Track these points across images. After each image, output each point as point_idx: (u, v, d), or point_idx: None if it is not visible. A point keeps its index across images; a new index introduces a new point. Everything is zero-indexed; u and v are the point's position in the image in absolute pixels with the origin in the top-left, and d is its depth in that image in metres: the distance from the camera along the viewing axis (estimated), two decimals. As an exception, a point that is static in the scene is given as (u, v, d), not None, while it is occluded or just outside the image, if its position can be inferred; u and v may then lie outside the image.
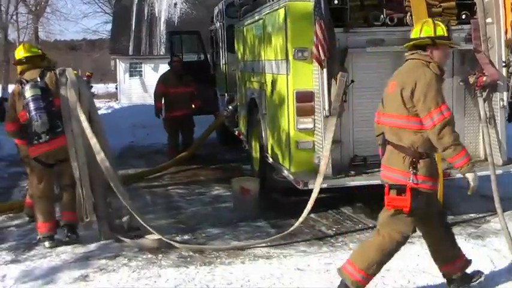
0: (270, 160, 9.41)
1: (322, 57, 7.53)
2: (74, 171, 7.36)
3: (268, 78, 9.24)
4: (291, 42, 8.03)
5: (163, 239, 7.24)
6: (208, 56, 17.20)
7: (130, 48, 39.03)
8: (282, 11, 8.24)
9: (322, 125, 7.82)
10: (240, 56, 11.88)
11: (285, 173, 8.49)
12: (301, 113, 8.07)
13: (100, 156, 7.42)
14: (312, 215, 8.40)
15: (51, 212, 7.55)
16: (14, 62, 8.01)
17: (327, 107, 7.69)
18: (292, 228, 7.52)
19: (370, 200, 8.60)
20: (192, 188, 10.87)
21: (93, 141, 7.39)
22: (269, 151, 9.47)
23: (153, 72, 37.81)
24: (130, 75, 39.02)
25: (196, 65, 16.33)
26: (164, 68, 37.26)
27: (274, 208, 9.10)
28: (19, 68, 7.66)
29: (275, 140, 9.04)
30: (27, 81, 7.27)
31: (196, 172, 12.48)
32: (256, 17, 10.01)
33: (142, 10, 41.12)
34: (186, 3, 41.79)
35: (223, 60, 14.44)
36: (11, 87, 32.28)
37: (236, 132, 12.93)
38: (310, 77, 8.07)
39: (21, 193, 10.73)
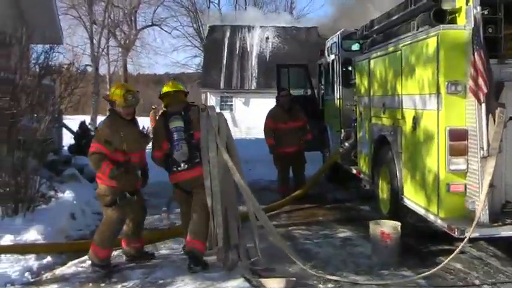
0: (408, 203, 8.68)
1: (484, 90, 6.82)
2: (207, 200, 7.59)
3: (408, 114, 8.54)
4: (443, 75, 7.33)
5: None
6: (315, 90, 16.64)
7: (222, 82, 39.08)
8: (432, 41, 7.57)
9: (478, 166, 7.06)
10: (363, 91, 11.22)
11: (431, 217, 7.75)
12: (454, 152, 7.32)
13: (244, 188, 7.74)
14: (458, 265, 7.75)
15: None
16: (159, 95, 8.28)
17: (485, 147, 6.95)
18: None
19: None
20: (315, 229, 10.19)
21: (235, 171, 7.67)
22: (407, 193, 8.75)
23: (244, 107, 37.83)
24: (221, 109, 38.82)
25: (303, 100, 15.75)
26: (255, 102, 37.67)
27: (414, 255, 8.33)
28: (165, 101, 8.17)
29: (417, 182, 8.29)
30: (172, 114, 7.88)
31: (313, 212, 11.82)
32: (391, 48, 9.37)
33: (234, 44, 41.29)
34: (278, 38, 41.74)
35: (337, 95, 13.82)
36: (100, 118, 33.20)
37: (354, 171, 12.27)
38: (463, 113, 7.34)
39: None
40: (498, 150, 6.96)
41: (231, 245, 7.63)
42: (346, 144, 12.66)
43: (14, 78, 10.12)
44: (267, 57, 40.29)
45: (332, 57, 14.39)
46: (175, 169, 7.83)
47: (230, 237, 7.65)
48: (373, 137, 10.43)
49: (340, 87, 13.66)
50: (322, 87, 16.17)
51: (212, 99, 39.17)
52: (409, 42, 8.46)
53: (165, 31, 56.95)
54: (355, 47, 12.99)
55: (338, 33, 13.91)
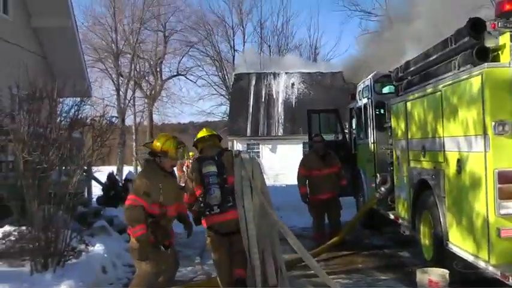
0: (454, 249, 8.28)
1: (536, 129, 6.54)
2: (244, 242, 7.71)
3: (451, 157, 8.20)
4: (490, 115, 7.02)
5: None
6: (347, 134, 16.37)
7: (248, 129, 38.97)
8: (476, 80, 7.28)
9: (531, 209, 6.72)
10: (399, 134, 10.92)
11: (482, 264, 7.36)
12: (504, 195, 6.96)
13: (285, 230, 7.87)
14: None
15: (230, 277, 8.01)
16: (194, 142, 8.56)
17: (540, 189, 6.63)
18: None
19: None
20: (355, 277, 9.82)
21: (271, 213, 7.93)
22: (452, 239, 8.36)
23: (271, 154, 37.61)
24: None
25: (334, 144, 15.49)
26: (282, 148, 37.48)
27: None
28: (199, 146, 8.42)
29: (463, 227, 7.91)
30: (206, 159, 8.10)
31: (351, 259, 11.43)
32: (429, 90, 9.09)
33: (260, 91, 41.31)
34: (303, 84, 41.70)
35: (371, 139, 13.50)
36: (126, 168, 33.08)
37: (392, 216, 11.90)
38: (512, 154, 7.02)
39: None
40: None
41: (270, 285, 7.64)
42: (383, 189, 12.29)
43: (43, 132, 10.00)
44: (293, 103, 40.17)
45: (364, 100, 14.11)
46: (208, 213, 7.99)
47: (268, 279, 7.66)
48: (412, 181, 10.08)
49: (374, 131, 13.35)
50: (354, 131, 15.87)
51: (239, 147, 38.98)
52: (450, 82, 8.17)
53: (191, 80, 57.24)
54: (389, 89, 12.80)
55: (370, 76, 13.66)
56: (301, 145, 36.38)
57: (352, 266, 10.80)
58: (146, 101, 52.55)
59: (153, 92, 52.78)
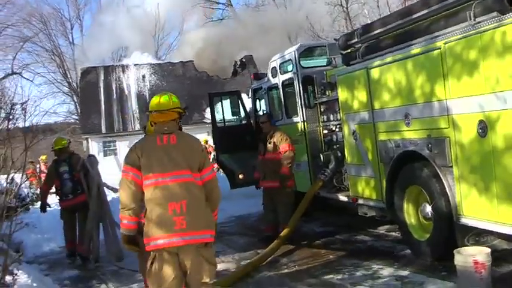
0: (473, 223, 7.38)
1: None
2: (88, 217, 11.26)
3: (466, 120, 7.23)
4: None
5: None
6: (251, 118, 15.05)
7: (103, 126, 36.76)
8: (512, 28, 6.36)
9: None
10: (356, 106, 9.87)
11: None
12: None
13: None
14: None
15: (73, 240, 11.69)
16: (54, 150, 11.70)
17: None
18: None
19: None
20: (345, 271, 8.59)
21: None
22: (469, 212, 7.44)
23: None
24: (104, 155, 36.19)
25: (239, 129, 14.31)
26: (141, 144, 35.55)
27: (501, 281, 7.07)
28: (56, 152, 11.73)
29: (493, 196, 6.94)
30: (60, 161, 11.62)
31: (313, 252, 10.20)
32: (417, 50, 8.09)
33: (110, 85, 39.09)
34: (155, 75, 40.02)
35: (300, 118, 12.33)
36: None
37: (344, 198, 10.98)
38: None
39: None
40: None
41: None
42: (328, 170, 11.25)
43: None
44: (147, 96, 38.30)
45: (284, 76, 12.90)
46: (64, 198, 11.54)
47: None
48: (387, 155, 9.05)
49: (303, 108, 12.23)
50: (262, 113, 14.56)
51: (93, 145, 36.57)
52: (461, 36, 7.19)
53: (26, 79, 52.69)
54: (307, 63, 12.31)
55: (293, 49, 12.51)
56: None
57: (326, 259, 9.58)
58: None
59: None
